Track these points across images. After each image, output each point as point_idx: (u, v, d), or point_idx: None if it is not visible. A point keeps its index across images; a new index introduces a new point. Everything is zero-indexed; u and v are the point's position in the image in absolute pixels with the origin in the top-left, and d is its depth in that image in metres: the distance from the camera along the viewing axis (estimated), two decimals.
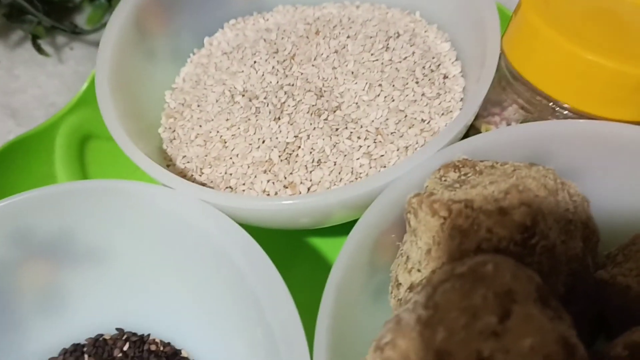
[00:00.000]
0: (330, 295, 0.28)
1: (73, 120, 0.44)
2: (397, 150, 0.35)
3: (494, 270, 0.21)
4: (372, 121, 0.35)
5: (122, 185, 0.33)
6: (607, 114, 0.31)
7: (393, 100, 0.36)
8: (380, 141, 0.35)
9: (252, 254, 0.31)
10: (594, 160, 0.31)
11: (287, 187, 0.34)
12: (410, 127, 0.35)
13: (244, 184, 0.35)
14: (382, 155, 0.35)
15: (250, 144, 0.35)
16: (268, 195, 0.34)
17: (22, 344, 0.36)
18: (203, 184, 0.36)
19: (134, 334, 0.37)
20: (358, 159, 0.34)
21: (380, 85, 0.36)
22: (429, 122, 0.36)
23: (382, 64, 0.37)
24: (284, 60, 0.38)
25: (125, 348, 0.37)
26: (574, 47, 0.30)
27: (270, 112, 0.36)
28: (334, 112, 0.36)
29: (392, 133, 0.35)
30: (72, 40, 0.55)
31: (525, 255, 0.26)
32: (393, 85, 0.36)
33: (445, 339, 0.20)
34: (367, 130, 0.35)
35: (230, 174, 0.35)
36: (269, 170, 0.35)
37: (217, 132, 0.37)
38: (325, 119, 0.35)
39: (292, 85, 0.37)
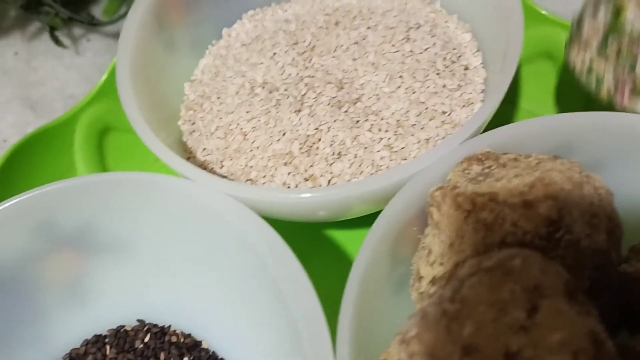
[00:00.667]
0: (353, 286, 0.28)
1: (92, 113, 0.44)
2: (418, 142, 0.35)
3: (522, 265, 0.21)
4: (393, 113, 0.35)
5: (144, 177, 0.33)
6: None
7: (414, 92, 0.36)
8: (401, 133, 0.35)
9: (274, 247, 0.31)
10: (617, 152, 0.31)
11: (307, 180, 0.34)
12: (431, 119, 0.35)
13: (264, 177, 0.35)
14: (403, 148, 0.34)
15: (271, 136, 0.35)
16: (288, 187, 0.34)
17: (46, 335, 0.37)
18: (223, 177, 0.36)
19: (155, 325, 0.38)
20: (379, 151, 0.34)
21: (401, 76, 0.36)
22: (449, 114, 0.36)
23: (403, 55, 0.37)
24: (304, 52, 0.38)
25: (146, 339, 0.37)
26: None
27: (290, 104, 0.36)
28: (355, 104, 0.36)
29: (412, 125, 0.35)
30: (89, 31, 0.55)
31: (550, 249, 0.26)
32: (414, 77, 0.36)
33: (472, 334, 0.20)
34: (387, 122, 0.35)
35: (251, 167, 0.35)
36: (290, 163, 0.35)
37: (238, 124, 0.37)
38: (346, 111, 0.35)
39: (313, 77, 0.37)
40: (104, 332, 0.37)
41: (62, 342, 0.37)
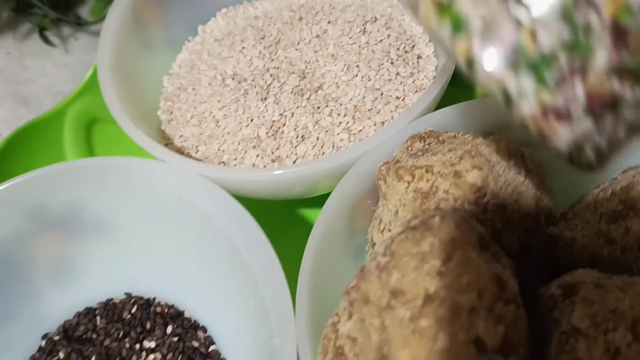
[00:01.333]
0: (309, 254, 0.32)
1: (79, 106, 0.48)
2: (374, 125, 0.38)
3: (441, 222, 0.24)
4: (351, 99, 0.39)
5: (124, 161, 0.37)
6: None
7: (370, 80, 0.39)
8: (358, 117, 0.38)
9: (245, 227, 0.34)
10: None
11: (274, 161, 0.38)
12: (386, 104, 0.39)
13: (235, 159, 0.38)
14: (361, 130, 0.38)
15: (240, 123, 0.39)
16: (257, 168, 0.38)
17: (39, 309, 0.40)
18: (199, 160, 0.39)
19: (141, 298, 0.41)
20: (339, 134, 0.38)
21: (357, 66, 0.40)
22: (403, 99, 0.39)
23: (360, 46, 0.40)
24: (270, 46, 0.42)
25: (133, 310, 0.40)
26: None
27: (257, 93, 0.39)
28: (316, 91, 0.39)
29: (369, 110, 0.38)
30: (77, 31, 0.58)
31: (479, 212, 0.29)
32: (369, 66, 0.39)
33: (398, 280, 0.24)
34: (346, 108, 0.38)
35: (223, 151, 0.39)
36: (258, 146, 0.38)
37: (210, 112, 0.40)
38: (308, 98, 0.39)
39: (277, 68, 0.41)
40: (95, 305, 0.41)
41: (56, 315, 0.40)
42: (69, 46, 0.58)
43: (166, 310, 0.41)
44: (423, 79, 0.40)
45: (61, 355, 0.39)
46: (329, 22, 0.42)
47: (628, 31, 0.21)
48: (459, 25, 0.22)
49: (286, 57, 0.41)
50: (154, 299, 0.41)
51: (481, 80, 0.23)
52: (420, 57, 0.41)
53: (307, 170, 0.35)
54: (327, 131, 0.38)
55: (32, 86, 0.56)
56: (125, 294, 0.41)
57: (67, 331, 0.40)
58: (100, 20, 0.56)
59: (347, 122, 0.38)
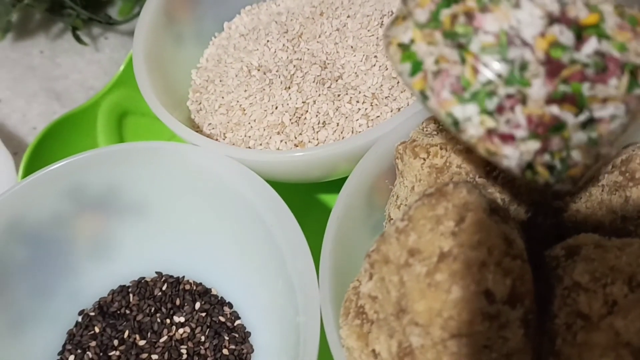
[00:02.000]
0: (331, 229, 0.34)
1: (112, 99, 0.51)
2: (391, 111, 0.41)
3: (454, 189, 0.27)
4: (369, 87, 0.41)
5: (157, 145, 0.40)
6: None
7: (387, 69, 0.42)
8: (376, 104, 0.41)
9: (276, 208, 0.36)
10: None
11: (297, 146, 0.40)
12: (402, 92, 0.41)
13: (260, 144, 0.41)
14: (378, 116, 0.40)
15: (265, 110, 0.41)
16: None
17: (76, 286, 0.42)
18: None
19: (171, 276, 0.44)
20: (357, 119, 0.40)
21: (375, 56, 0.42)
22: None
23: (377, 38, 0.43)
24: (293, 39, 0.45)
25: (163, 288, 0.43)
26: None
27: (281, 83, 0.42)
28: (336, 80, 0.42)
29: (386, 97, 0.41)
30: (107, 30, 0.62)
31: (489, 185, 0.32)
32: (386, 57, 0.42)
33: (415, 240, 0.26)
34: (364, 95, 0.41)
35: (249, 137, 0.42)
36: (282, 132, 0.41)
37: (237, 101, 0.43)
38: (329, 87, 0.41)
39: (300, 59, 0.43)
40: (128, 283, 0.43)
41: (91, 292, 0.43)
42: (99, 45, 0.61)
43: (194, 288, 0.43)
44: None
45: (96, 329, 0.42)
46: (348, 17, 0.44)
47: (561, 64, 0.25)
48: (417, 67, 0.27)
49: (308, 49, 0.44)
50: (183, 277, 0.44)
51: (432, 108, 0.27)
52: None
53: (327, 152, 0.37)
54: (346, 117, 0.40)
55: (64, 82, 0.59)
56: (156, 272, 0.44)
57: (102, 307, 0.43)
58: (128, 20, 0.59)
59: (366, 109, 0.40)
